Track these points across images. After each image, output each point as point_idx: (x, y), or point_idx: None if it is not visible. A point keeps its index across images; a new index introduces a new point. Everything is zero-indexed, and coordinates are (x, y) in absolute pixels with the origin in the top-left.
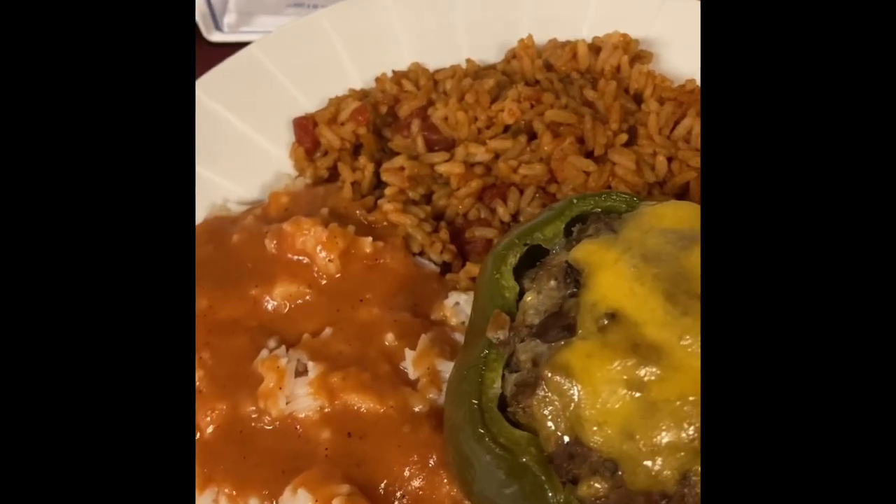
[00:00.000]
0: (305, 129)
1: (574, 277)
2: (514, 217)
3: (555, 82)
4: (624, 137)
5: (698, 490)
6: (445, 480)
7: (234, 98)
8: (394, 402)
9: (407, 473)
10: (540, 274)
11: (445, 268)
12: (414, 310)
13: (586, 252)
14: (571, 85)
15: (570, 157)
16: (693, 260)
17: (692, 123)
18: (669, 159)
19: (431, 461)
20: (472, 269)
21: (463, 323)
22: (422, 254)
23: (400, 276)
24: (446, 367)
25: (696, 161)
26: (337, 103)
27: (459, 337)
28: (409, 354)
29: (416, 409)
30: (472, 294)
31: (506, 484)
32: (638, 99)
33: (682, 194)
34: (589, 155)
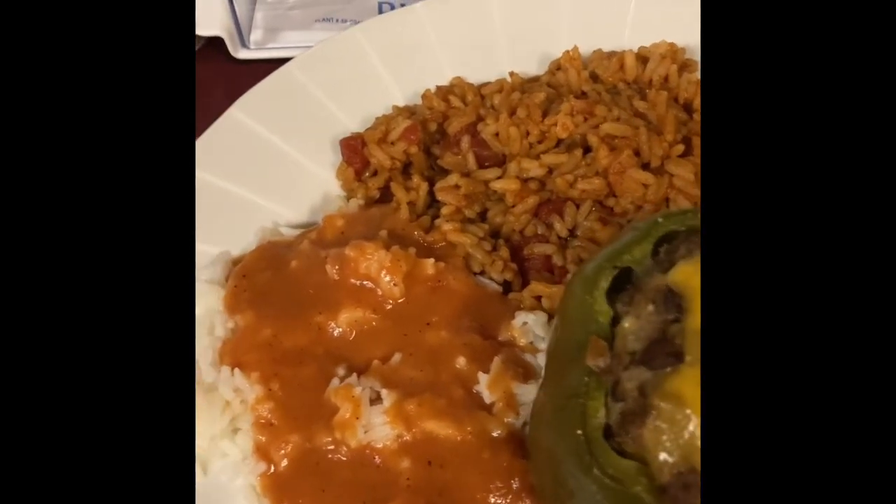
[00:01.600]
0: (354, 149)
1: (675, 302)
2: (572, 232)
3: (602, 94)
4: (680, 148)
5: None
6: None
7: (275, 118)
8: (472, 428)
9: (491, 500)
10: (636, 298)
11: (506, 287)
12: (481, 331)
13: (685, 275)
14: (619, 96)
15: (629, 171)
16: None
17: None
18: None
19: (514, 485)
20: (535, 287)
21: (531, 343)
22: (482, 273)
23: (464, 296)
24: (521, 391)
25: None
26: (386, 122)
27: (530, 358)
28: (483, 378)
29: (495, 434)
30: (539, 314)
31: None
32: (688, 108)
33: None
34: (645, 167)
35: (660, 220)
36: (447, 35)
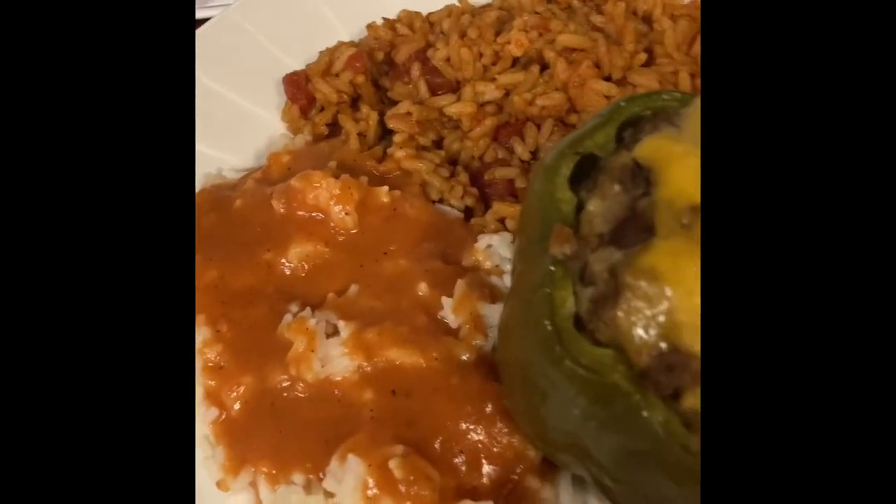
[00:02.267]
0: (298, 85)
1: (643, 177)
2: (534, 154)
3: (558, 13)
4: (643, 57)
5: None
6: (506, 429)
7: (215, 65)
8: (438, 354)
9: (463, 427)
10: (601, 179)
11: (468, 214)
12: (443, 257)
13: (653, 148)
14: (575, 14)
15: (589, 82)
16: None
17: None
18: (692, 75)
19: (487, 409)
20: (499, 208)
21: (498, 266)
22: (441, 201)
23: (423, 224)
24: (488, 311)
25: None
26: (329, 54)
27: (496, 280)
28: (447, 302)
29: (464, 358)
30: (504, 235)
31: (590, 412)
32: (647, 21)
33: None
34: (607, 79)
35: (622, 103)
36: None
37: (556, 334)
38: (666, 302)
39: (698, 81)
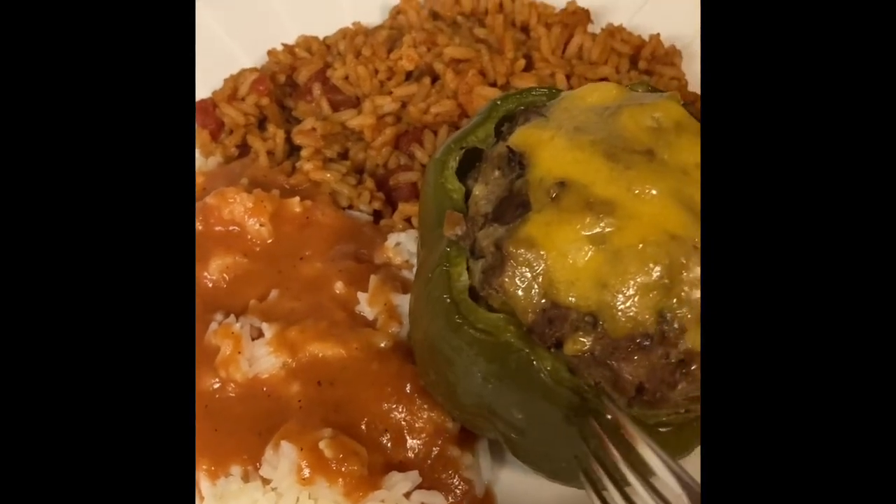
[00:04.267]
0: (206, 111)
1: (517, 161)
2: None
3: (444, 28)
4: (522, 63)
5: (676, 325)
6: (425, 406)
7: None
8: (357, 344)
9: (385, 406)
10: (483, 167)
11: (377, 218)
12: (356, 257)
13: (523, 136)
14: (460, 28)
15: (476, 89)
16: (622, 121)
17: (581, 40)
18: (568, 76)
19: (407, 389)
20: (404, 209)
21: (407, 261)
22: (351, 207)
23: (335, 229)
24: (401, 301)
25: (592, 73)
26: (234, 80)
27: (407, 274)
28: (363, 296)
29: (381, 346)
30: (411, 232)
31: (490, 372)
32: (525, 30)
33: None
34: (492, 85)
35: (499, 102)
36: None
37: (454, 305)
38: (543, 264)
39: (573, 81)
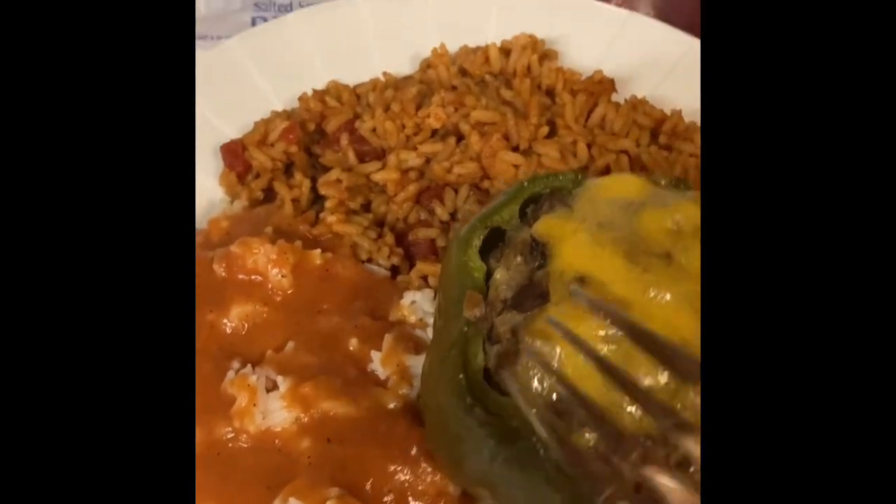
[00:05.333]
0: (235, 153)
1: (539, 251)
2: (453, 216)
3: (471, 86)
4: (545, 130)
5: (678, 428)
6: (429, 469)
7: None
8: (368, 403)
9: (391, 468)
10: (506, 252)
11: (394, 272)
12: (372, 313)
13: (547, 226)
14: (487, 87)
15: (499, 153)
16: (643, 222)
17: (605, 110)
18: (589, 145)
19: (413, 452)
20: (422, 268)
21: (421, 319)
22: (370, 261)
23: (353, 283)
24: (414, 362)
25: (612, 144)
26: (264, 125)
27: (420, 333)
28: (376, 355)
29: (391, 407)
30: (426, 291)
31: (498, 452)
32: (551, 94)
33: (605, 175)
34: (515, 150)
35: (525, 184)
36: (321, 42)
37: (468, 386)
38: (556, 357)
39: (594, 150)
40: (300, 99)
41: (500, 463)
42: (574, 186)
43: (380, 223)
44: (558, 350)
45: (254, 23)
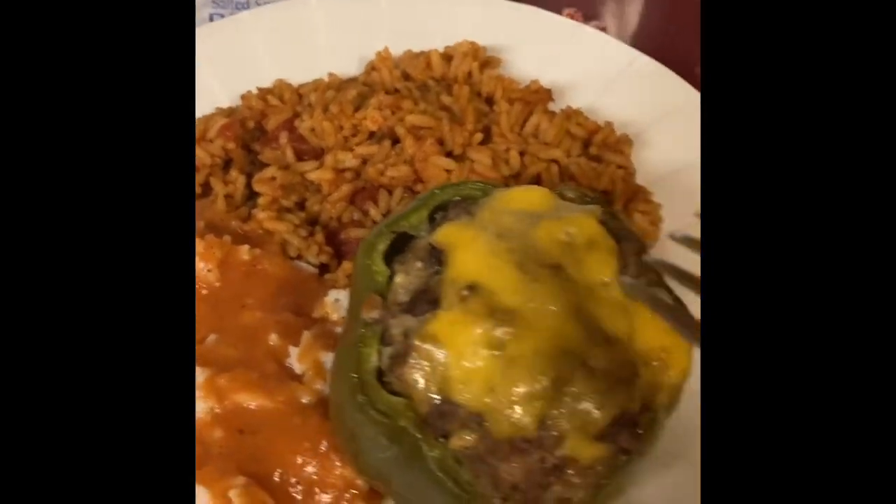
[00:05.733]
0: None
1: (437, 257)
2: (385, 216)
3: (413, 90)
4: (479, 136)
5: (555, 433)
6: (338, 463)
7: None
8: (283, 397)
9: (300, 461)
10: (408, 257)
11: (324, 269)
12: (296, 310)
13: (447, 234)
14: (428, 92)
15: (431, 158)
16: (538, 234)
17: (539, 120)
18: (522, 153)
19: (323, 447)
20: (348, 266)
21: (343, 317)
22: (299, 258)
23: (279, 279)
24: (329, 359)
25: (544, 153)
26: (205, 122)
27: (341, 331)
28: (294, 351)
29: (305, 401)
30: (350, 289)
31: (387, 448)
32: (489, 101)
33: (535, 183)
34: (449, 155)
35: (437, 191)
36: (272, 41)
37: (360, 384)
38: (442, 361)
39: (526, 159)
40: (242, 97)
41: (390, 460)
42: (482, 195)
43: (313, 221)
44: (444, 354)
45: (211, 19)
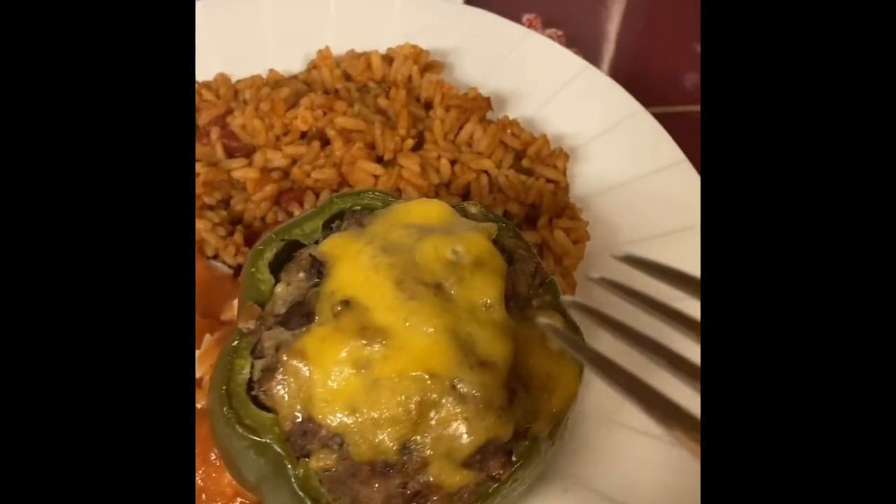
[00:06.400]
0: None
1: (319, 269)
2: None
3: (352, 91)
4: (411, 143)
5: (417, 458)
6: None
7: None
8: None
9: None
10: (290, 266)
11: (240, 271)
12: (204, 311)
13: (332, 245)
14: (368, 94)
15: (358, 162)
16: (424, 249)
17: (473, 129)
18: (453, 162)
19: (212, 455)
20: None
21: None
22: (216, 257)
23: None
24: None
25: (475, 163)
26: None
27: None
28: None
29: (199, 406)
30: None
31: (255, 463)
32: (429, 106)
33: (465, 194)
34: (380, 160)
35: (334, 199)
36: (217, 34)
37: (227, 397)
38: (307, 378)
39: (457, 168)
40: None
41: (260, 475)
42: (382, 206)
43: (237, 221)
44: (310, 371)
45: None
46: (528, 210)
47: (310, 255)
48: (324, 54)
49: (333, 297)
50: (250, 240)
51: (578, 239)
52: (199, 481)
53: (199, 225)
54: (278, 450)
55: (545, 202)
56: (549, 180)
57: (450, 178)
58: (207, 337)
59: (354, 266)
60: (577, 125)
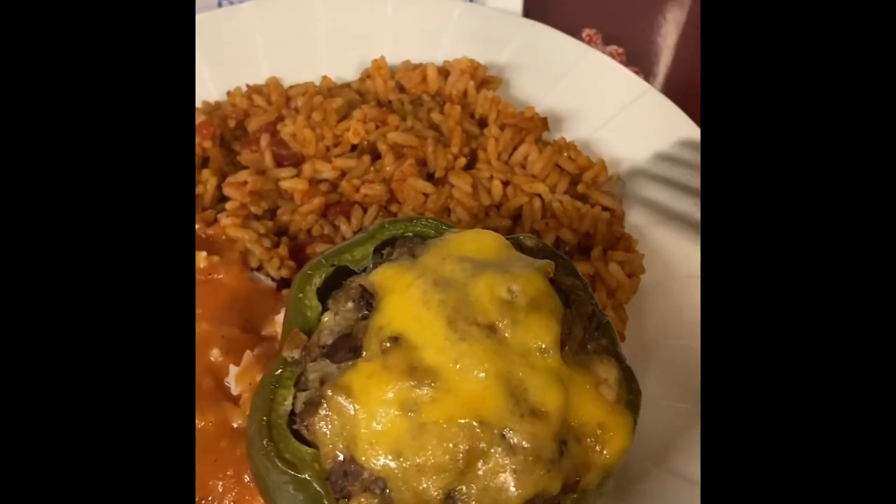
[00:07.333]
0: None
1: (367, 300)
2: (357, 234)
3: (405, 104)
4: (463, 161)
5: None
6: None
7: None
8: (213, 418)
9: (220, 488)
10: (339, 295)
11: (284, 284)
12: (245, 325)
13: (383, 276)
14: (421, 107)
15: (409, 179)
16: (477, 287)
17: (528, 150)
18: (505, 184)
19: (246, 477)
20: None
21: None
22: (260, 269)
23: (233, 291)
24: None
25: (528, 186)
26: None
27: None
28: (234, 370)
29: (235, 425)
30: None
31: (294, 497)
32: (483, 123)
33: (516, 217)
34: (430, 177)
35: (386, 224)
36: (270, 36)
37: (267, 428)
38: (352, 417)
39: (510, 190)
40: (228, 93)
41: None
42: (435, 234)
43: (282, 232)
44: (356, 409)
45: (220, 5)
46: (581, 238)
47: (360, 284)
48: (379, 64)
49: (382, 333)
50: (294, 252)
51: (633, 272)
52: (229, 502)
53: (244, 235)
54: (318, 488)
55: (599, 231)
56: (604, 208)
57: (501, 200)
58: (248, 353)
59: (405, 300)
60: (634, 149)
